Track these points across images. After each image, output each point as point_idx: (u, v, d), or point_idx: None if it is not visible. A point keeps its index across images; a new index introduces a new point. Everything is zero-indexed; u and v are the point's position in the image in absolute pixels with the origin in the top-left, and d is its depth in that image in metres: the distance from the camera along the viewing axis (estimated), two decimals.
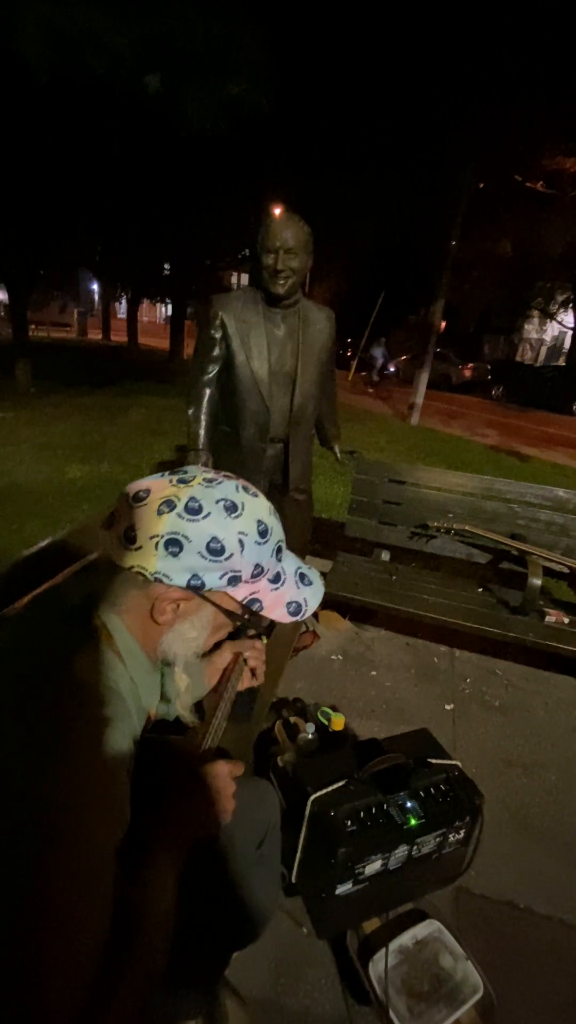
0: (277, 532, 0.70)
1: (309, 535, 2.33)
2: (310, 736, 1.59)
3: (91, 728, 0.56)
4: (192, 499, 0.63)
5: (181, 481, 0.65)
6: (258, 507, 0.67)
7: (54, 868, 0.47)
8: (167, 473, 0.68)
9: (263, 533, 0.66)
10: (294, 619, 0.74)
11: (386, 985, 1.06)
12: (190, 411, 1.92)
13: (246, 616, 0.72)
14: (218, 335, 1.85)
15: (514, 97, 7.35)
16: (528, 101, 7.38)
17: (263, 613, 0.72)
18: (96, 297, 28.43)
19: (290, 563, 0.75)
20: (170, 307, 15.71)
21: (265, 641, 0.99)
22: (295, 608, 0.74)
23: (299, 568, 0.76)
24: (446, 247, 8.27)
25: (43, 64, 4.13)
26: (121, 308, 27.45)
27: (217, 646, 0.87)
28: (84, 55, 4.19)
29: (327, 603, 2.51)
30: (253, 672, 0.89)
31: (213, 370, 1.89)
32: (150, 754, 0.73)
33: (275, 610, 0.72)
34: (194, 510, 0.62)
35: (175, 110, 4.79)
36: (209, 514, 0.62)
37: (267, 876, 0.92)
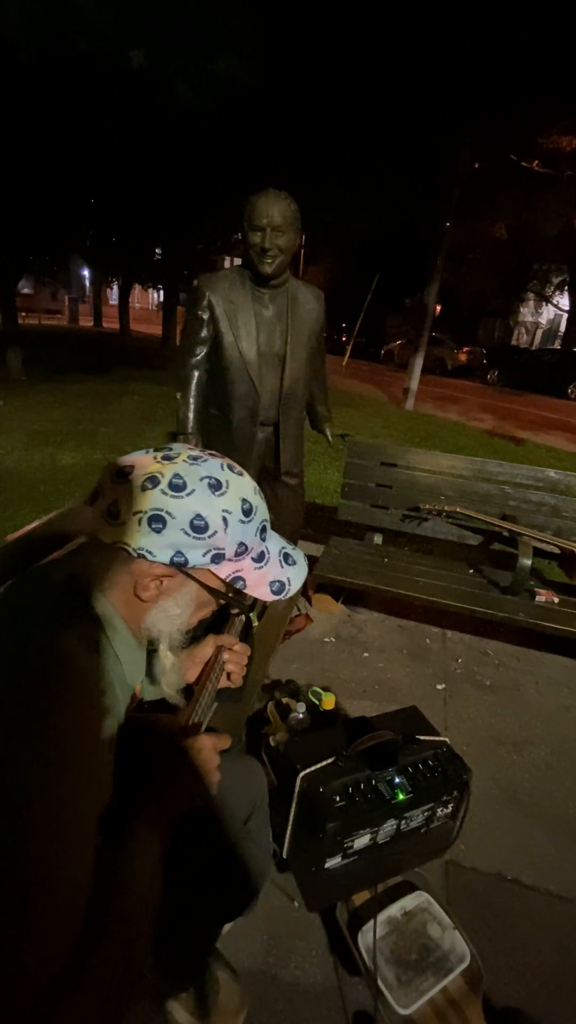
0: (262, 511, 0.70)
1: (301, 520, 2.32)
2: (301, 715, 1.60)
3: (73, 700, 0.56)
4: (176, 476, 0.62)
5: (166, 458, 0.65)
6: (243, 485, 0.67)
7: (33, 833, 0.47)
8: (152, 449, 0.68)
9: (247, 512, 0.66)
10: (277, 598, 0.75)
11: (375, 955, 1.08)
12: (179, 394, 1.90)
13: (230, 594, 0.72)
14: (206, 316, 1.82)
15: (510, 75, 7.21)
16: (525, 78, 7.24)
17: (246, 591, 0.72)
18: (87, 283, 28.00)
19: (274, 543, 0.75)
20: (162, 293, 15.52)
21: (256, 624, 0.99)
22: (278, 587, 0.74)
23: (283, 548, 0.76)
24: (441, 229, 8.17)
25: (24, 42, 4.01)
26: (112, 294, 27.08)
27: (199, 640, 0.87)
28: (67, 32, 4.07)
29: (320, 586, 2.52)
30: (229, 675, 0.89)
31: (201, 352, 1.87)
32: (136, 732, 0.74)
33: (258, 588, 0.72)
34: (178, 487, 0.62)
35: (162, 86, 4.69)
36: (193, 491, 0.62)
37: (255, 850, 0.93)
